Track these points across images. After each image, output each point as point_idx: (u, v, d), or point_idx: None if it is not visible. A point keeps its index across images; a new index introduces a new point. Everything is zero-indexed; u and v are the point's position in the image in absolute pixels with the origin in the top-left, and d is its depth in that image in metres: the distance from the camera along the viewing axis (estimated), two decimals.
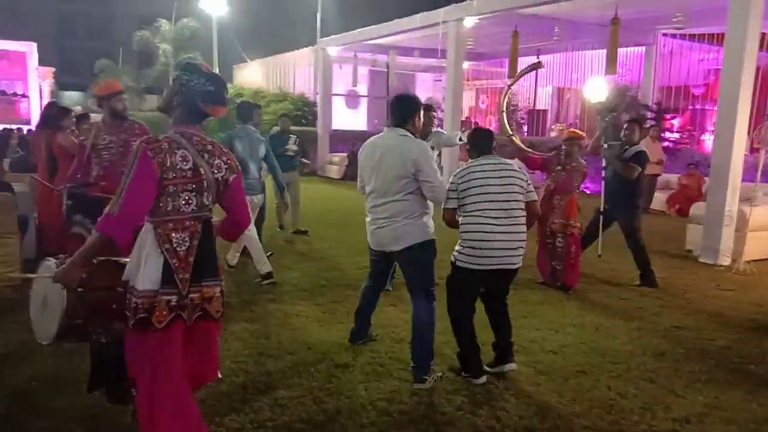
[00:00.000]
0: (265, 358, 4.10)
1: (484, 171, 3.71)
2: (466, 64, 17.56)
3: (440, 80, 19.19)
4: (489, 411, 3.45)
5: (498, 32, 12.65)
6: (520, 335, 4.64)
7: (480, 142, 3.90)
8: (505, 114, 7.38)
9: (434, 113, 5.50)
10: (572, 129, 6.57)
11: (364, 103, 23.49)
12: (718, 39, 12.53)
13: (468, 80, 19.19)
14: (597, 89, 7.25)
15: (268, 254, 6.97)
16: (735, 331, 4.96)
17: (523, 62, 16.10)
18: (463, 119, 18.43)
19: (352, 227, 5.83)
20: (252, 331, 4.62)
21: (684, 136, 15.32)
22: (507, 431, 3.25)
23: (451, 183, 3.77)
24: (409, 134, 3.73)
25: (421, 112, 3.88)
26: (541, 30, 11.94)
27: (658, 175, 11.53)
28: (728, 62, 7.42)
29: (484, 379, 3.79)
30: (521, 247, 3.71)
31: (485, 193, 3.65)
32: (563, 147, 6.05)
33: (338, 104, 21.39)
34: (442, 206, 3.77)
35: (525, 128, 19.22)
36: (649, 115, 14.26)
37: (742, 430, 3.33)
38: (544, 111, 19.97)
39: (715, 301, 5.79)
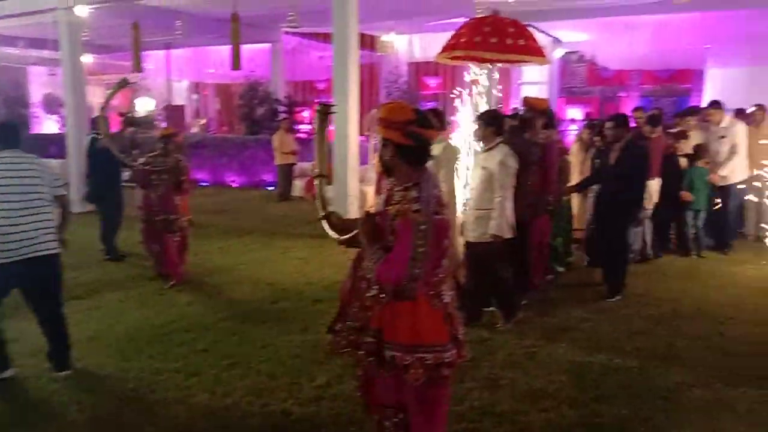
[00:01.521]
0: None
1: (4, 164, 3.68)
2: (90, 57, 15.94)
3: (56, 74, 16.97)
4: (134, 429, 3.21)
5: (118, 24, 11.76)
6: (172, 340, 4.47)
7: (5, 136, 3.82)
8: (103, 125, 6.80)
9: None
10: (167, 128, 6.64)
11: None
12: (331, 38, 13.98)
13: (94, 75, 17.46)
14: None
15: None
16: None
17: (152, 56, 15.42)
18: (93, 117, 16.72)
19: None
20: None
21: None
22: None
23: None
24: None
25: None
26: (164, 23, 11.55)
27: (294, 164, 12.38)
28: (337, 59, 8.35)
29: (11, 372, 3.77)
30: (49, 234, 3.75)
31: (4, 185, 3.62)
32: (159, 146, 6.01)
33: None
34: None
35: (164, 124, 18.52)
36: (281, 108, 15.19)
37: None
38: (182, 106, 19.55)
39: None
